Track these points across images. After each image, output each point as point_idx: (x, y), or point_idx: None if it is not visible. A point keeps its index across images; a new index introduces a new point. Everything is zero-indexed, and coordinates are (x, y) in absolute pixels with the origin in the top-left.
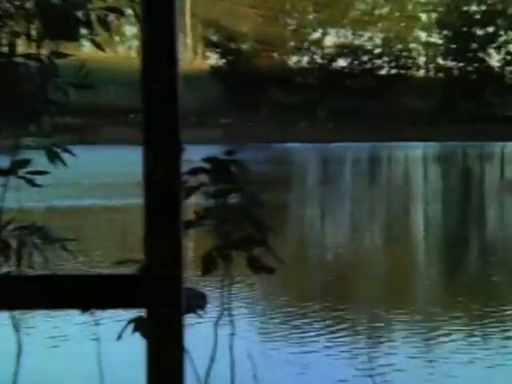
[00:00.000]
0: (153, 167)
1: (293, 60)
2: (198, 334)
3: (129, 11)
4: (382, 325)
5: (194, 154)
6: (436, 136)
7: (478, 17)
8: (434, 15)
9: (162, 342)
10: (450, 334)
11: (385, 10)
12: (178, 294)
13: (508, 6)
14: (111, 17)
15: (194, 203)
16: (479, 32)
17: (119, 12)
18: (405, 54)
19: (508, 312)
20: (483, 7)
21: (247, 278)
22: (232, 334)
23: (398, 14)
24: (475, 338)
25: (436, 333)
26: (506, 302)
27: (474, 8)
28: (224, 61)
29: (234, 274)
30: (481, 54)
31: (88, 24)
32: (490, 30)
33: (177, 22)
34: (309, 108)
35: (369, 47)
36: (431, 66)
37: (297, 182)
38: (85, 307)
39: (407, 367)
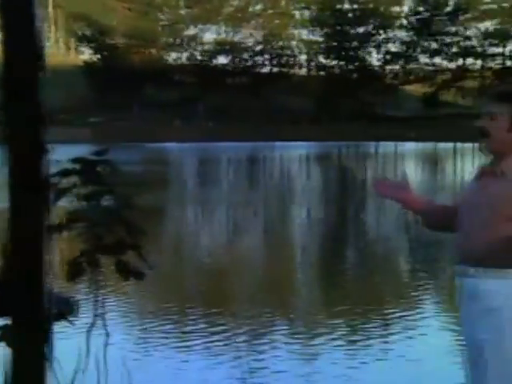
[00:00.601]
0: (15, 168)
1: (172, 57)
2: (70, 342)
3: None
4: (261, 328)
5: (65, 154)
6: (317, 135)
7: (351, 15)
8: (307, 13)
9: (26, 350)
10: (330, 339)
11: (258, 7)
12: (42, 300)
13: (379, 4)
14: None
15: (65, 206)
16: (358, 30)
17: None
18: (286, 52)
19: (389, 315)
20: (355, 6)
21: (125, 284)
22: (106, 343)
23: (271, 11)
24: (356, 341)
25: (316, 337)
26: (386, 304)
27: (346, 6)
28: (98, 56)
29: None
30: (361, 53)
31: None
32: (368, 28)
33: (37, 14)
34: (187, 106)
35: (250, 44)
36: (312, 64)
37: (174, 183)
38: None
39: (286, 370)
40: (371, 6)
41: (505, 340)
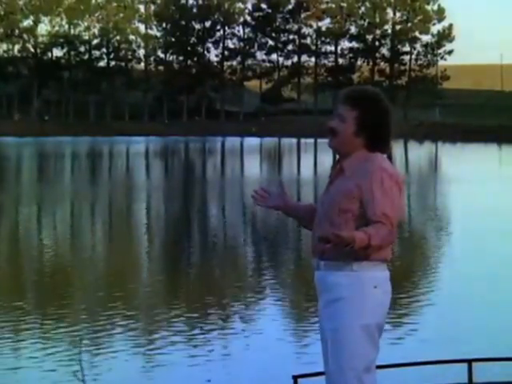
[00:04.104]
0: None
1: (2, 48)
2: None
3: None
4: (101, 324)
5: None
6: (158, 130)
7: (195, 11)
8: (152, 7)
9: None
10: (170, 335)
11: (102, 0)
12: None
13: (224, 1)
14: None
15: None
16: (199, 26)
17: None
18: (124, 45)
19: (228, 309)
20: (200, 1)
21: None
22: None
23: (115, 4)
24: (196, 335)
25: (156, 333)
26: (224, 299)
27: (191, 1)
28: None
29: None
30: (200, 49)
31: None
32: (208, 24)
33: None
34: (22, 99)
35: (86, 37)
36: (151, 59)
37: (10, 178)
38: None
39: (123, 366)
40: (216, 1)
41: (344, 330)
